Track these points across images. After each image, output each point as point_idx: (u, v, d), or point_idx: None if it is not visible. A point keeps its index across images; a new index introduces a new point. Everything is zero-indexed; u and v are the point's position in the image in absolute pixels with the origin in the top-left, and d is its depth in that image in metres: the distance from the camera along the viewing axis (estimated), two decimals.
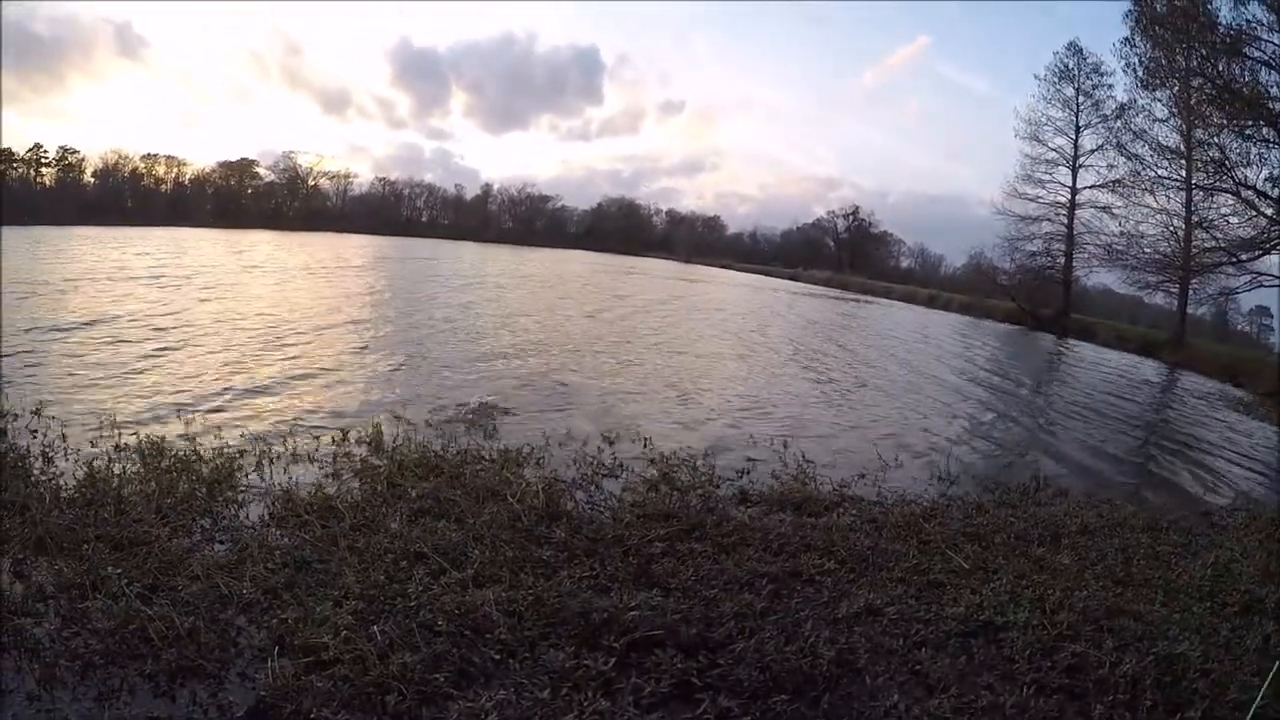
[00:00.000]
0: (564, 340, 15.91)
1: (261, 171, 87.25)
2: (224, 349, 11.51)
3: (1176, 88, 36.00)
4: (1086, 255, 47.70)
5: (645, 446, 7.79)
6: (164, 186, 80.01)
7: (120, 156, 76.42)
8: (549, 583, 4.25)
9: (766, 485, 6.81)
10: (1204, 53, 32.42)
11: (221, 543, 4.63)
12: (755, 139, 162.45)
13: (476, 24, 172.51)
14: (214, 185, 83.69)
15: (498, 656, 3.51)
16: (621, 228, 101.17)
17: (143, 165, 78.67)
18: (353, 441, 6.88)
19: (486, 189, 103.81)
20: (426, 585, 4.02)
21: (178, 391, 8.81)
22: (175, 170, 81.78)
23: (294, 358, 11.22)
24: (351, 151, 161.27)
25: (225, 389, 9.10)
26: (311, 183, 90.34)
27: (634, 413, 9.76)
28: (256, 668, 3.36)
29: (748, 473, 7.22)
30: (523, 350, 13.81)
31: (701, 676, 3.55)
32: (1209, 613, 5.13)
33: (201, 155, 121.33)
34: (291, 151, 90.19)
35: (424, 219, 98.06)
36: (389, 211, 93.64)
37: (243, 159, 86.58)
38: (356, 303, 19.46)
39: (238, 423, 7.63)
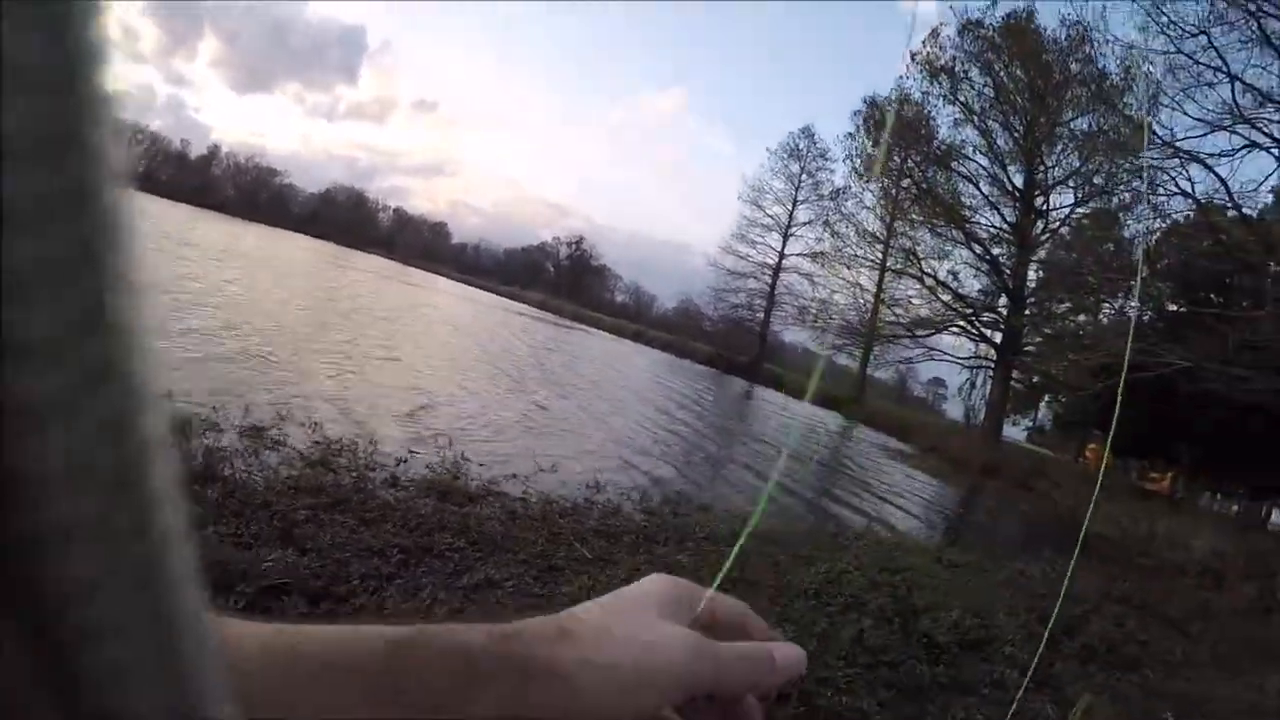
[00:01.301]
0: (269, 322, 15.44)
1: None
2: None
3: (886, 183, 41.19)
4: (784, 314, 53.36)
5: (314, 431, 7.99)
6: None
7: None
8: (196, 536, 4.59)
9: (420, 475, 7.31)
10: (917, 159, 37.45)
11: None
12: (499, 155, 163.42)
13: None
14: None
15: None
16: (347, 219, 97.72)
17: None
18: None
19: (213, 150, 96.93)
20: None
21: None
22: None
23: None
24: None
25: None
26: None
27: (316, 397, 9.91)
28: None
29: (405, 462, 7.65)
30: (224, 326, 13.24)
31: (321, 620, 4.08)
32: (811, 610, 6.12)
33: None
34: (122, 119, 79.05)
35: (141, 169, 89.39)
36: None
37: None
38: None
39: None
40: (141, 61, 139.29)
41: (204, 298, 15.72)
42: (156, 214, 47.66)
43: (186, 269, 20.21)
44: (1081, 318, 35.31)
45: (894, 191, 40.15)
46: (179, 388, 8.20)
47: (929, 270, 38.48)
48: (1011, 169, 35.71)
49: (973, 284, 38.61)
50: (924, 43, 37.80)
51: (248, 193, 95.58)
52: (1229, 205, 23.42)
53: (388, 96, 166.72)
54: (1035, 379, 40.23)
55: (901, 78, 38.63)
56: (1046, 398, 49.68)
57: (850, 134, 44.02)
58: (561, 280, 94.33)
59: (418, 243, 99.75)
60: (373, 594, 4.54)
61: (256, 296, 19.76)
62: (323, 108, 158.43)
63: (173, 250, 24.22)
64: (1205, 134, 23.07)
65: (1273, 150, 22.64)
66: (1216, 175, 23.16)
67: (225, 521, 4.98)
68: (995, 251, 36.19)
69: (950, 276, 38.24)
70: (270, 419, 7.96)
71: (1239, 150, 22.79)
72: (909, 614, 6.62)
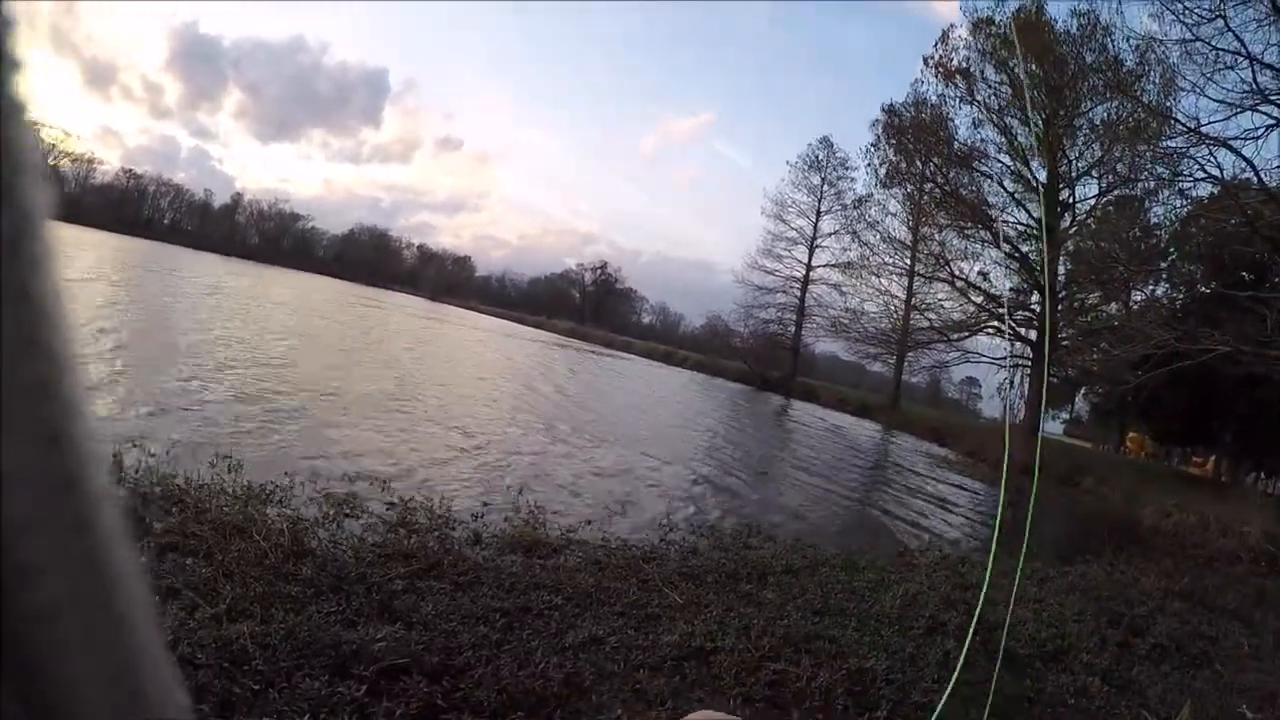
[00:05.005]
0: (320, 378, 15.31)
1: None
2: None
3: (910, 188, 41.12)
4: (815, 326, 53.34)
5: (384, 490, 7.97)
6: None
7: None
8: (299, 617, 4.46)
9: (500, 529, 7.27)
10: (938, 162, 37.27)
11: None
12: (524, 188, 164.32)
13: (270, 22, 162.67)
14: None
15: (257, 686, 3.73)
16: (370, 258, 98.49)
17: None
18: None
19: (236, 199, 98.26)
20: (182, 620, 4.14)
21: None
22: None
23: None
24: (103, 134, 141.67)
25: None
26: (51, 162, 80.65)
27: (380, 455, 9.88)
28: None
29: (482, 516, 7.63)
30: (277, 387, 13.18)
31: (446, 699, 3.96)
32: (896, 635, 6.10)
33: None
34: (34, 121, 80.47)
35: (166, 221, 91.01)
36: (130, 208, 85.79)
37: None
38: (104, 315, 17.43)
39: None
40: (166, 117, 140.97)
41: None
42: (188, 264, 48.27)
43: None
44: (1113, 307, 34.83)
45: (918, 196, 39.97)
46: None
47: (959, 272, 38.20)
48: (1034, 164, 35.34)
49: (1004, 283, 38.28)
50: (936, 45, 37.76)
51: (271, 238, 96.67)
52: (1257, 186, 22.99)
53: (411, 137, 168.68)
54: (1072, 372, 39.76)
55: (917, 82, 38.61)
56: (1083, 389, 49.17)
57: (872, 144, 43.62)
58: (586, 306, 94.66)
59: (442, 278, 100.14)
60: (487, 664, 4.43)
61: (325, 359, 19.72)
62: (348, 151, 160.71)
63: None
64: (1229, 116, 22.75)
65: None
66: (1241, 156, 22.79)
67: (325, 599, 4.88)
68: (1024, 248, 35.84)
69: (980, 277, 37.89)
70: (340, 480, 7.96)
71: (1262, 130, 22.45)
72: (987, 631, 6.68)
